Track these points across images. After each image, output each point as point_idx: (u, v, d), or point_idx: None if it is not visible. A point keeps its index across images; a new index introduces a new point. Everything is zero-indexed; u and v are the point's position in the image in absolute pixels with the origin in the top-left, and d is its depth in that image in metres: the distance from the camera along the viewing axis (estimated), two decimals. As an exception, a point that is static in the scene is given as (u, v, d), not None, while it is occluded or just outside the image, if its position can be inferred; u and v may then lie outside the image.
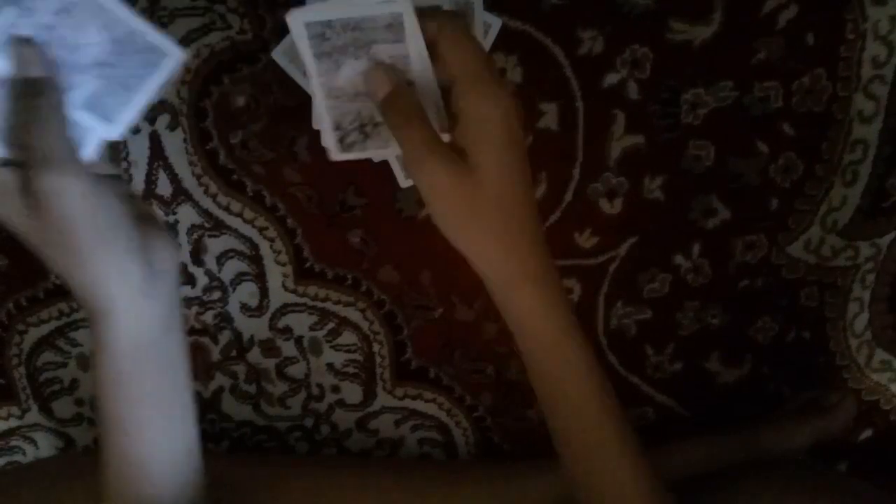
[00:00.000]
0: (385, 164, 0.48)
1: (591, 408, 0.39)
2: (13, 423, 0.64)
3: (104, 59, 0.36)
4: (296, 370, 0.62)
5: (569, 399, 0.39)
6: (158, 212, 0.40)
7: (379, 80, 0.38)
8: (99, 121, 0.37)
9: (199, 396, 0.63)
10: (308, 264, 0.59)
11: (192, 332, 0.61)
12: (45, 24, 0.34)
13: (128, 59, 0.36)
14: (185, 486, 0.42)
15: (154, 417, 0.40)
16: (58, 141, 0.34)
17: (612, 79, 0.53)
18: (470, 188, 0.36)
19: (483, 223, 0.37)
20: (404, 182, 0.48)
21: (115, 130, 0.37)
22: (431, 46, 0.37)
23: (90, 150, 0.37)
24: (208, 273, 0.59)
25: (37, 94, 0.34)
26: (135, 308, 0.37)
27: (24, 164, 0.34)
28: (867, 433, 0.65)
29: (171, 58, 0.36)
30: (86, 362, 0.62)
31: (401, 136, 0.37)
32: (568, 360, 0.39)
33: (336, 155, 0.42)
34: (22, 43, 0.35)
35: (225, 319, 0.60)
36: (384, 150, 0.42)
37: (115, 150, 0.41)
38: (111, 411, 0.39)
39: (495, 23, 0.47)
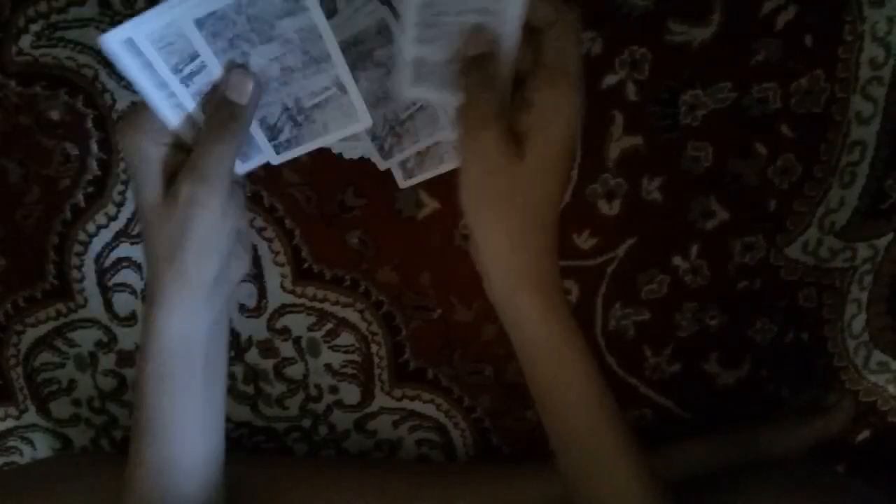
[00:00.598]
0: (384, 165, 0.48)
1: (590, 414, 0.39)
2: (10, 423, 0.64)
3: (314, 103, 0.39)
4: (294, 371, 0.62)
5: (567, 404, 0.39)
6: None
7: (477, 39, 0.37)
8: (274, 144, 0.40)
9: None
10: (306, 265, 0.58)
11: (190, 332, 0.61)
12: (289, 66, 0.38)
13: (330, 111, 0.40)
14: (210, 488, 0.43)
15: (194, 417, 0.41)
16: (223, 160, 0.36)
17: (610, 80, 0.53)
18: (512, 171, 0.36)
19: (508, 210, 0.37)
20: (403, 183, 0.48)
21: (278, 158, 0.41)
22: (534, 29, 0.37)
23: (251, 164, 0.41)
24: (207, 273, 0.59)
25: (231, 117, 0.37)
26: (193, 308, 0.39)
27: (187, 154, 0.37)
28: (865, 434, 0.65)
29: (360, 123, 0.40)
30: (84, 363, 0.62)
31: (472, 97, 0.37)
32: (567, 365, 0.38)
33: (384, 164, 0.43)
34: (240, 72, 0.37)
35: (223, 320, 0.60)
36: (418, 144, 0.43)
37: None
38: (152, 407, 0.40)
39: None
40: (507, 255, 0.37)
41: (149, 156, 0.37)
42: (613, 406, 0.39)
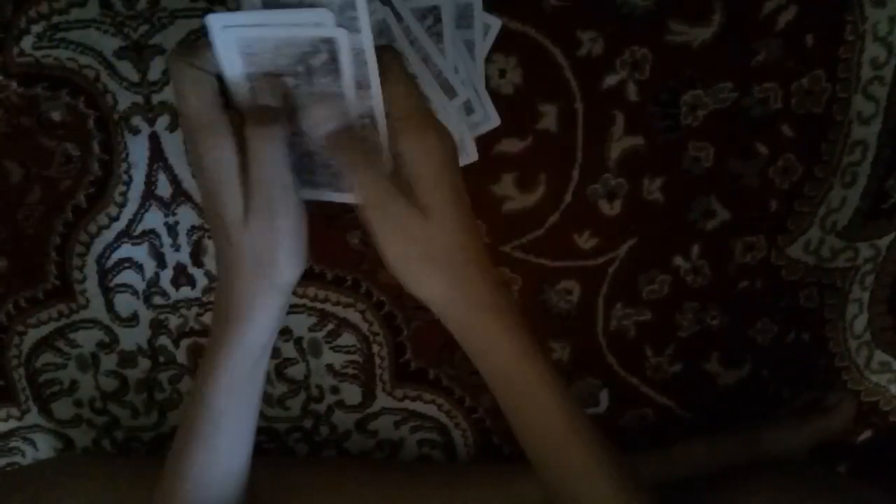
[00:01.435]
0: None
1: (561, 425, 0.39)
2: (12, 424, 0.64)
3: None
4: (295, 371, 0.62)
5: (540, 423, 0.40)
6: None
7: (325, 113, 0.37)
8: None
9: (198, 398, 0.63)
10: (308, 265, 0.58)
11: (192, 332, 0.61)
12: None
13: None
14: (241, 494, 0.43)
15: (245, 430, 0.42)
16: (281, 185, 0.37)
17: (611, 80, 0.53)
18: (425, 232, 0.36)
19: (438, 266, 0.37)
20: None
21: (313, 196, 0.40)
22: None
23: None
24: (208, 274, 0.59)
25: (269, 124, 0.36)
26: (267, 322, 0.39)
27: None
28: (867, 434, 0.65)
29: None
30: (85, 363, 0.62)
31: (357, 177, 0.37)
32: (536, 386, 0.39)
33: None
34: (270, 77, 0.37)
35: (224, 320, 0.60)
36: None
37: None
38: (214, 420, 0.40)
39: (495, 24, 0.47)
40: (456, 300, 0.38)
41: (230, 164, 0.36)
42: (583, 416, 0.40)
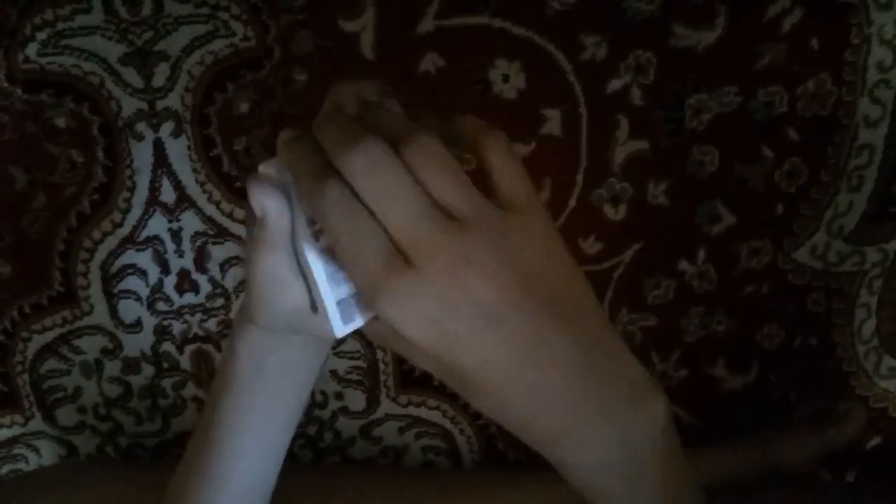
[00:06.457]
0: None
1: None
2: (16, 430, 0.64)
3: None
4: (299, 377, 0.62)
5: None
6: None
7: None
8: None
9: (202, 404, 0.63)
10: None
11: (196, 339, 0.61)
12: None
13: None
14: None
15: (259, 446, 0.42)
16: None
17: (615, 84, 0.53)
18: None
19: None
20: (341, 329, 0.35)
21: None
22: None
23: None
24: (212, 280, 0.59)
25: None
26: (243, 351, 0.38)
27: None
28: (876, 441, 0.64)
29: None
30: (89, 370, 0.62)
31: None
32: None
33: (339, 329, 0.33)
34: None
35: (228, 327, 0.60)
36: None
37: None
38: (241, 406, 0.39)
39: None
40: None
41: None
42: None
